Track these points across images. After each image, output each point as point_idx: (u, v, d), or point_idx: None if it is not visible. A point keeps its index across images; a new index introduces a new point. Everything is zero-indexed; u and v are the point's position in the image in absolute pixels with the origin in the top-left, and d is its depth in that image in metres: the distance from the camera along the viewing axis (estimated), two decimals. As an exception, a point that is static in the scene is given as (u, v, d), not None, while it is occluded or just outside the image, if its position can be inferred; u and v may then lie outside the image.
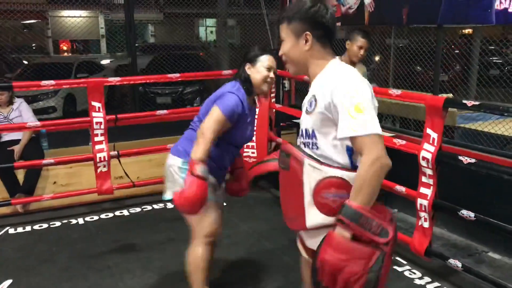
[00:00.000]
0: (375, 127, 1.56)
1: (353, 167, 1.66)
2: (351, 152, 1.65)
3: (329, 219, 1.63)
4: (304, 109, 1.78)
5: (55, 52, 17.71)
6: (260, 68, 2.52)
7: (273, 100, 4.81)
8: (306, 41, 1.71)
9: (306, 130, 1.74)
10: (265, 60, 2.53)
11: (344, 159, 1.66)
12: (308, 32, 1.71)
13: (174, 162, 2.52)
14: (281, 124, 5.20)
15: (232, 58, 9.94)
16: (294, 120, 5.08)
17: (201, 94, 10.46)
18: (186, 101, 10.08)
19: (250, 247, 3.70)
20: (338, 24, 5.28)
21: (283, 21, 1.75)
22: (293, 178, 1.70)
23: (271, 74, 2.54)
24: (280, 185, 1.84)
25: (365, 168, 1.55)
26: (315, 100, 1.68)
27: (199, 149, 2.31)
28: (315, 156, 1.69)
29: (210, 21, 20.14)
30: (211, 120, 2.38)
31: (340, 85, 1.61)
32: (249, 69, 2.53)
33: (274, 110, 4.81)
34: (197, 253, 2.60)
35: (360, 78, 1.67)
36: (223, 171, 2.67)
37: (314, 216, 1.67)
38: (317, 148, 1.69)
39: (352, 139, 1.58)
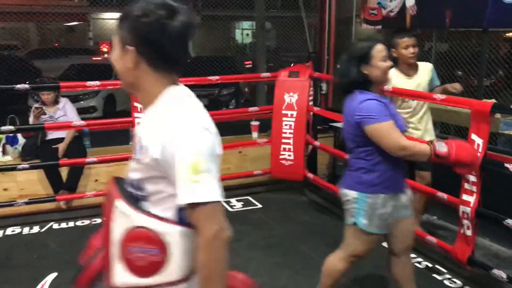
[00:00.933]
0: (216, 193, 1.24)
1: (180, 221, 1.31)
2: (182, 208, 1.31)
3: (139, 281, 1.29)
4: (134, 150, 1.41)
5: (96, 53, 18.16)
6: (378, 63, 2.36)
7: (311, 103, 4.79)
8: (131, 57, 1.31)
9: (131, 180, 1.38)
10: (378, 53, 2.36)
11: (169, 214, 1.31)
12: (131, 48, 1.30)
13: (349, 193, 2.44)
14: (317, 127, 5.19)
15: (268, 61, 9.97)
16: (331, 124, 5.06)
17: (236, 97, 10.56)
18: (222, 103, 10.19)
19: (286, 250, 3.70)
20: (379, 27, 5.22)
21: (119, 21, 1.34)
22: (106, 222, 1.37)
23: (390, 63, 2.39)
24: None
25: (208, 250, 1.22)
26: (144, 147, 1.31)
27: (421, 151, 2.27)
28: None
29: (246, 24, 20.30)
30: (386, 137, 2.26)
31: (176, 136, 1.24)
32: (365, 69, 2.36)
33: (311, 113, 4.79)
34: (337, 267, 2.55)
35: (199, 121, 1.30)
36: (400, 177, 2.47)
37: (120, 274, 1.31)
38: (145, 201, 1.35)
39: (188, 206, 1.23)
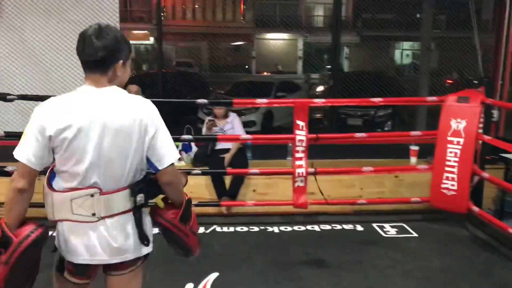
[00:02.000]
0: (20, 154, 1.78)
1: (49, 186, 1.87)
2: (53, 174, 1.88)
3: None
4: None
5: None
6: None
7: (481, 130, 4.45)
8: None
9: None
10: None
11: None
12: None
13: None
14: (486, 157, 4.79)
15: (431, 83, 9.51)
16: (502, 154, 4.63)
17: (393, 118, 10.26)
18: (377, 124, 9.99)
19: (445, 285, 3.48)
20: None
21: None
22: None
23: None
24: None
25: (8, 187, 1.82)
26: None
27: None
28: None
29: (407, 44, 19.63)
30: None
31: None
32: None
33: (480, 141, 4.46)
34: None
35: (44, 103, 1.81)
36: None
37: None
38: None
39: None
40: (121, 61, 1.85)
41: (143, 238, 1.93)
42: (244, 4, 18.95)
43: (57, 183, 1.86)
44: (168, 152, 1.89)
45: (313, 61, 17.82)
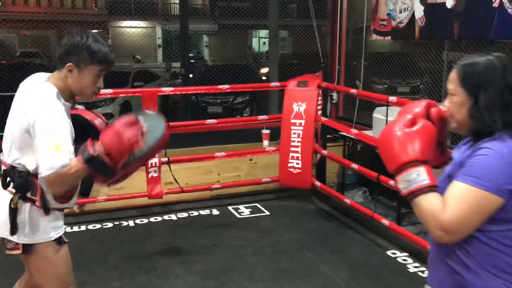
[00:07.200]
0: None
1: None
2: None
3: None
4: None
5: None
6: None
7: (319, 112, 4.84)
8: None
9: None
10: None
11: None
12: None
13: None
14: (328, 136, 5.23)
15: (282, 70, 10.05)
16: (341, 133, 5.10)
17: (251, 104, 10.65)
18: (236, 111, 10.28)
19: (291, 257, 3.76)
20: (388, 38, 5.26)
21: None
22: None
23: None
24: None
25: None
26: None
27: None
28: None
29: (264, 32, 20.45)
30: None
31: None
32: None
33: (320, 122, 4.85)
34: None
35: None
36: None
37: None
38: None
39: None
40: (69, 64, 1.97)
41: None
42: (95, -10, 17.95)
43: None
44: None
45: (173, 50, 17.60)
